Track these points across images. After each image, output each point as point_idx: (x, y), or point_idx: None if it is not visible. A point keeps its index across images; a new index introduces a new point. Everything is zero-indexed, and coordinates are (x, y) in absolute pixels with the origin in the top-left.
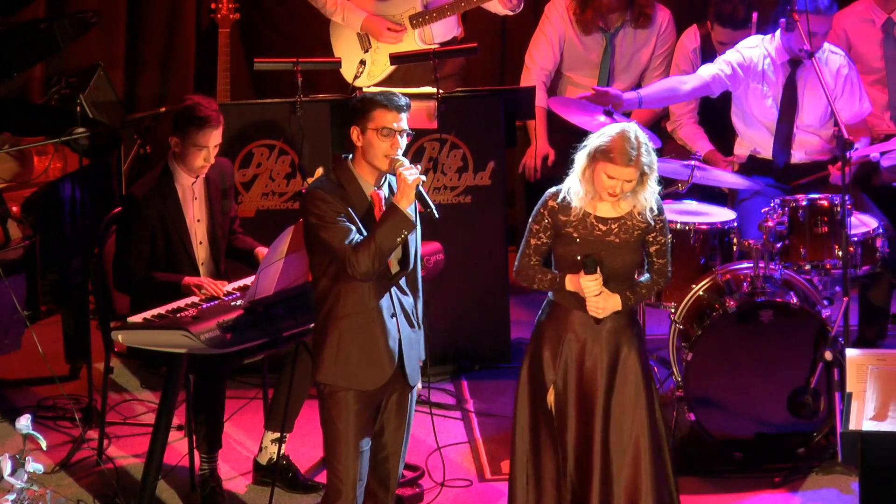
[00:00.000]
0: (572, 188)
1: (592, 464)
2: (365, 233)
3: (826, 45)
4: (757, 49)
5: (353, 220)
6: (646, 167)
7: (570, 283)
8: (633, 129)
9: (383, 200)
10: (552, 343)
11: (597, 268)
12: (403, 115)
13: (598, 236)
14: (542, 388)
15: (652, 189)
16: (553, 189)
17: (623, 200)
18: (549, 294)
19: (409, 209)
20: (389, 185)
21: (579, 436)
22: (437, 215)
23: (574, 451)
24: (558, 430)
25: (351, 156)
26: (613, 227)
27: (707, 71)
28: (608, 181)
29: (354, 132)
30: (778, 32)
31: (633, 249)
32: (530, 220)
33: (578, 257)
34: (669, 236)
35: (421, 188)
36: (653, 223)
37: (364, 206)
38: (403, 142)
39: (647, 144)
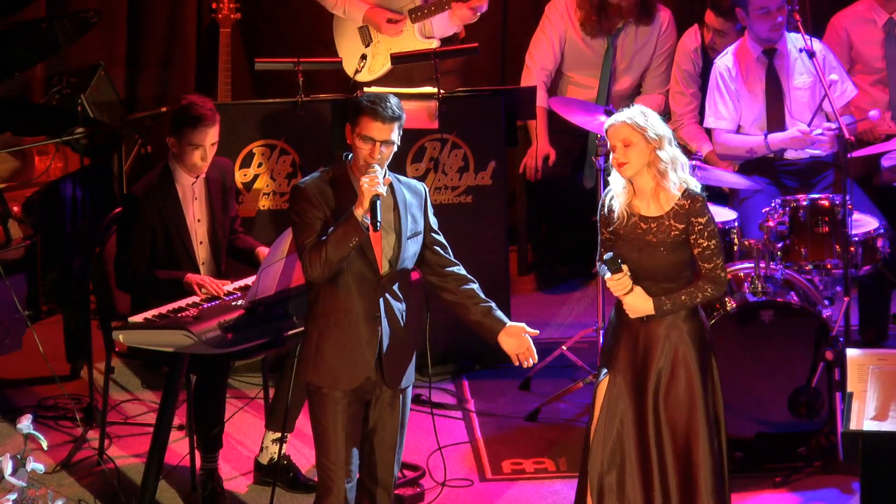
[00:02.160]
0: (614, 185)
1: (650, 454)
2: None
3: (796, 36)
4: (727, 56)
5: (331, 222)
6: (638, 125)
7: (607, 282)
8: (637, 106)
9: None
10: (614, 339)
11: (620, 265)
12: (390, 126)
13: (639, 234)
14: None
15: (665, 159)
16: (608, 194)
17: (662, 181)
18: None
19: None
20: (391, 183)
21: (635, 427)
22: (376, 230)
23: (635, 444)
24: (616, 424)
25: (350, 155)
26: (652, 226)
27: (724, 123)
28: (612, 154)
29: (347, 131)
30: (745, 31)
31: (671, 249)
32: (599, 221)
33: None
34: (715, 241)
35: (378, 202)
36: (689, 224)
37: (353, 202)
38: (388, 150)
39: (644, 111)
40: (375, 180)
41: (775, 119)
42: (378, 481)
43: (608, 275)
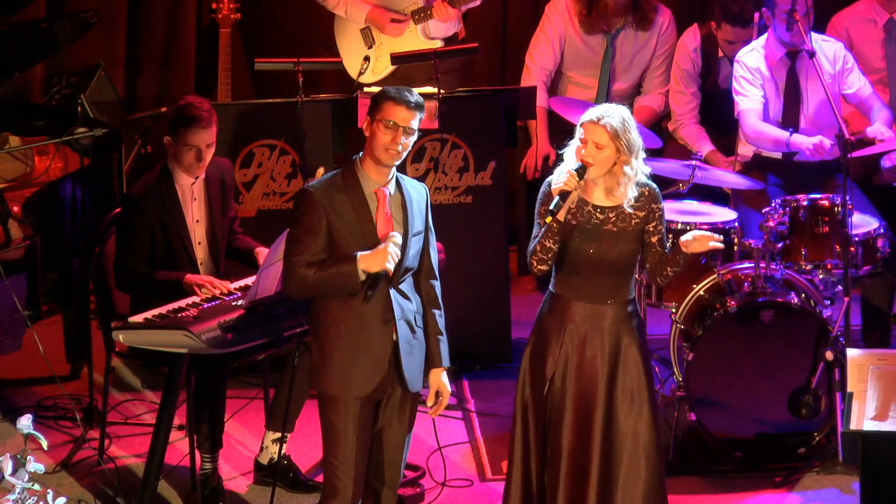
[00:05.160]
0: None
1: (591, 457)
2: (351, 239)
3: (818, 36)
4: (755, 52)
5: (333, 226)
6: (616, 136)
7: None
8: (620, 107)
9: (388, 198)
10: (553, 335)
11: (581, 176)
12: (413, 113)
13: (596, 224)
14: (542, 381)
15: (629, 174)
16: (550, 178)
17: (616, 189)
18: (551, 286)
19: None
20: (398, 181)
21: (577, 429)
22: (367, 299)
23: (570, 445)
24: (554, 424)
25: (360, 154)
26: (611, 215)
27: (755, 103)
28: (582, 145)
29: (365, 122)
30: (769, 30)
31: (630, 239)
32: (536, 208)
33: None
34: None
35: (380, 277)
36: (650, 212)
37: (362, 207)
38: (408, 140)
39: (627, 121)
40: (390, 257)
41: (790, 121)
42: (385, 481)
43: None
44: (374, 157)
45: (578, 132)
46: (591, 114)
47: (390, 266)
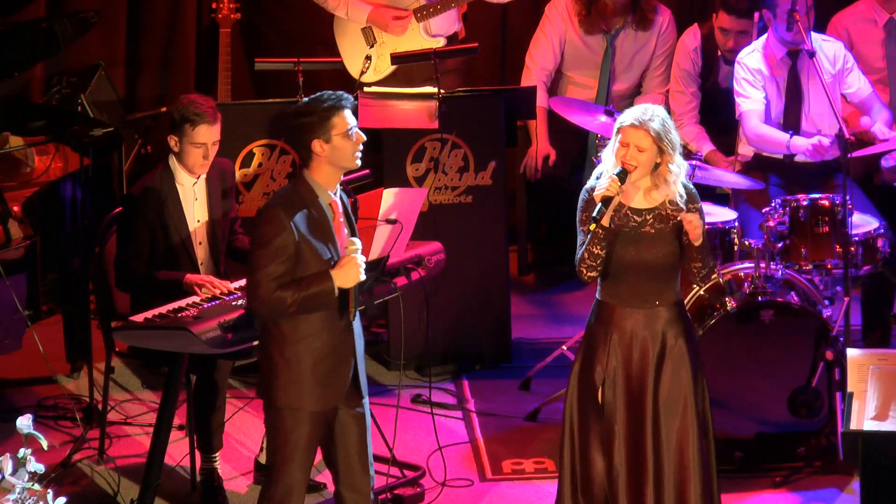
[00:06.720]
0: (604, 177)
1: (646, 458)
2: (322, 251)
3: (818, 36)
4: (755, 53)
5: (300, 240)
6: (660, 137)
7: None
8: (656, 106)
9: (339, 206)
10: (600, 343)
11: (623, 180)
12: (350, 111)
13: (634, 227)
14: (592, 388)
15: (676, 171)
16: (588, 184)
17: (654, 190)
18: (597, 294)
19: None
20: (341, 195)
21: (630, 431)
22: (353, 313)
23: (626, 447)
24: (607, 428)
25: (306, 167)
26: (648, 217)
27: (757, 105)
28: (622, 149)
29: (317, 144)
30: (769, 30)
31: (670, 240)
32: (577, 216)
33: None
34: (705, 222)
35: (358, 289)
36: (688, 211)
37: (323, 220)
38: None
39: (665, 121)
40: (361, 268)
41: (791, 121)
42: (354, 488)
43: (605, 182)
44: (341, 166)
45: (616, 136)
46: (630, 117)
47: (363, 276)
